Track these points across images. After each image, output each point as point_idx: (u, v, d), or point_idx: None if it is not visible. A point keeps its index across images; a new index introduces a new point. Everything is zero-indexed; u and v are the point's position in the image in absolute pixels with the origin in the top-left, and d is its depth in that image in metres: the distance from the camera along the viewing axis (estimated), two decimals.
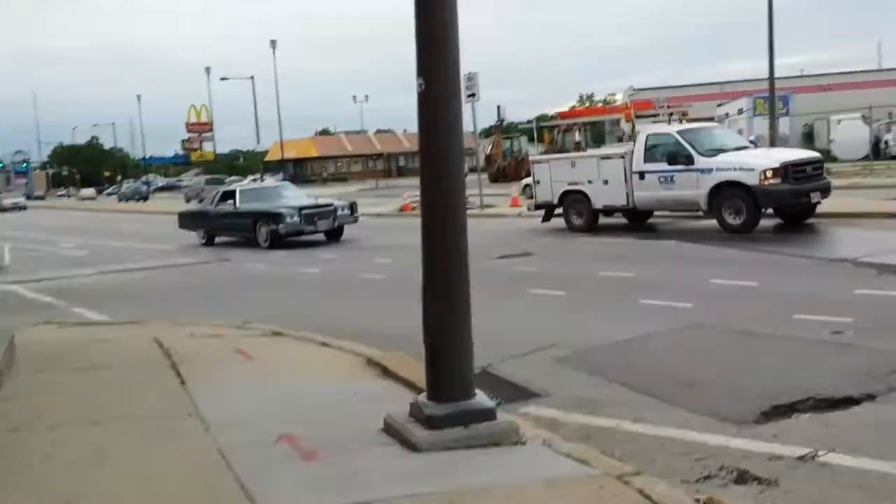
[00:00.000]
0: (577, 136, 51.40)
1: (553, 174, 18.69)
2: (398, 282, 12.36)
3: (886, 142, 43.34)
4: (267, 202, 20.82)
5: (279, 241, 19.37)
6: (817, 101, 47.34)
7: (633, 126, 16.46)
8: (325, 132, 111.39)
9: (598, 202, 17.74)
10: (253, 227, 20.00)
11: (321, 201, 21.32)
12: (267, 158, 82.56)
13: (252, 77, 66.32)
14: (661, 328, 8.10)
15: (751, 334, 7.70)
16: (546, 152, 56.70)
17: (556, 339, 7.87)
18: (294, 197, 21.85)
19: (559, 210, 18.91)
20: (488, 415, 4.76)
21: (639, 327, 8.17)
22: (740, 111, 43.50)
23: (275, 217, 19.50)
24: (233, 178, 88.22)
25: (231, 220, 21.11)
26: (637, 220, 18.27)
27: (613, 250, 14.79)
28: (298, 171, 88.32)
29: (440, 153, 4.37)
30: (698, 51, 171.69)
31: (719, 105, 49.00)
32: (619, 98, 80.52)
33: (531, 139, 78.82)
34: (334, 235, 20.45)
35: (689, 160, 15.88)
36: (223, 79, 66.63)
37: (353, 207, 21.03)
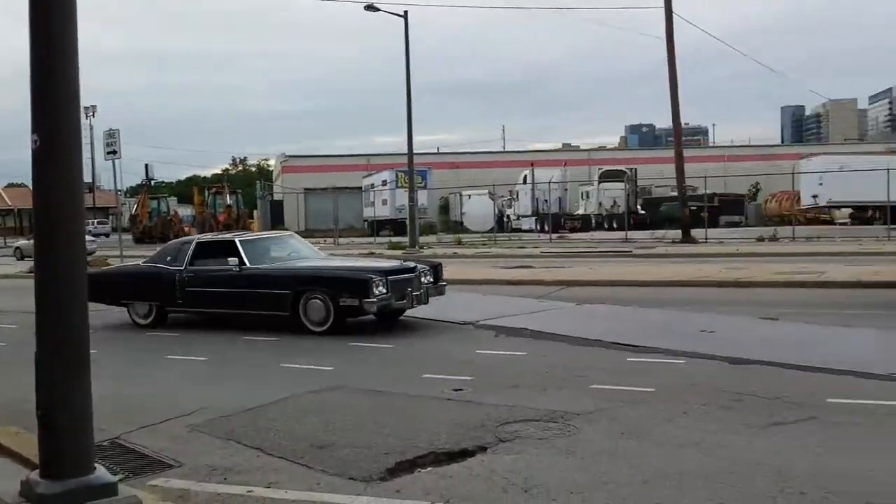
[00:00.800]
0: (229, 199, 50.98)
1: None
2: (22, 349, 11.18)
3: (508, 216, 48.85)
4: (291, 260, 13.48)
5: (342, 324, 12.14)
6: (450, 177, 52.02)
7: None
8: None
9: None
10: (293, 301, 12.28)
11: (407, 263, 13.91)
12: None
13: None
14: (299, 391, 8.25)
15: (382, 394, 8.13)
16: (197, 215, 55.53)
17: (192, 407, 7.67)
18: (313, 254, 14.45)
19: None
20: (109, 490, 4.50)
21: (278, 391, 8.24)
22: (384, 183, 46.21)
23: (354, 285, 12.03)
24: None
25: (240, 289, 12.74)
26: None
27: None
28: None
29: (57, 214, 4.11)
30: (346, 122, 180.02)
31: (365, 176, 51.53)
32: (273, 163, 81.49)
33: (181, 200, 76.34)
34: (394, 315, 13.13)
35: None
36: None
37: (437, 272, 13.77)
